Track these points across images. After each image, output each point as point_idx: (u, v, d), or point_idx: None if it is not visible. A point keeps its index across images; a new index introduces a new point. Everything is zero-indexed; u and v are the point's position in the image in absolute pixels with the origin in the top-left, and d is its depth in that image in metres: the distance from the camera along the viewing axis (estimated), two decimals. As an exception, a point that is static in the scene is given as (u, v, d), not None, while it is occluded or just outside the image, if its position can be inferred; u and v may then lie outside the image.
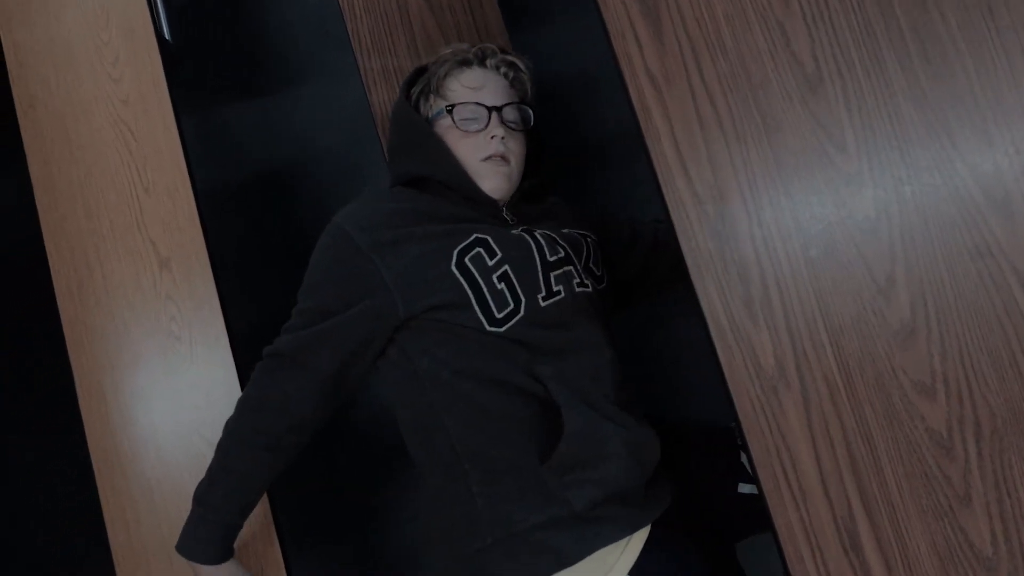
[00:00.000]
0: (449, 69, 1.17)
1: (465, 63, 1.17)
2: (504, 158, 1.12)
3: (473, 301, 1.04)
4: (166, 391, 1.26)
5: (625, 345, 1.21)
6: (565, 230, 1.17)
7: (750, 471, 1.12)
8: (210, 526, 1.07)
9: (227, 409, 1.19)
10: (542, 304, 1.06)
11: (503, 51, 1.19)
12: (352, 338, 1.06)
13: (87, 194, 1.31)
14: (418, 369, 1.07)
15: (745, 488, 1.14)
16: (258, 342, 1.23)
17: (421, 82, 1.20)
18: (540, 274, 1.07)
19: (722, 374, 0.94)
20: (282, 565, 1.21)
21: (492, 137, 1.11)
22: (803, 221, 0.96)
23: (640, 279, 1.30)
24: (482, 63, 1.17)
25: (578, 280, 1.10)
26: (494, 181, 1.12)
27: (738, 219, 0.96)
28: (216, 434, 1.10)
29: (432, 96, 1.18)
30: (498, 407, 1.04)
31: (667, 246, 1.25)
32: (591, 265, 1.16)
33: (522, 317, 1.05)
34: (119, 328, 1.27)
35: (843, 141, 0.96)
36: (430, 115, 1.17)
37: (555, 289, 1.07)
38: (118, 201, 1.30)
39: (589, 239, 1.19)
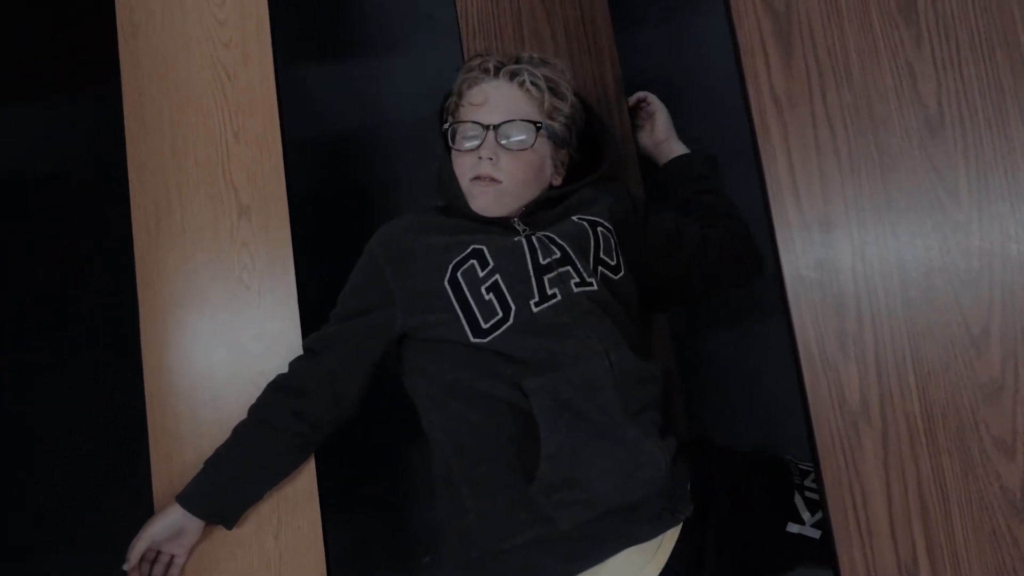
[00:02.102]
0: (461, 84, 1.18)
1: (476, 78, 1.17)
2: (493, 179, 1.13)
3: (460, 314, 1.06)
4: (228, 338, 1.26)
5: (685, 360, 1.21)
6: (575, 218, 1.14)
7: (804, 510, 1.12)
8: (203, 480, 1.14)
9: (283, 365, 1.21)
10: (535, 310, 1.05)
11: (526, 60, 1.17)
12: (358, 342, 1.14)
13: (176, 131, 1.31)
14: (419, 387, 1.12)
15: (794, 528, 1.12)
16: (324, 304, 1.25)
17: (450, 97, 1.21)
18: (532, 279, 1.07)
19: (805, 401, 0.94)
20: (319, 525, 1.21)
21: (480, 158, 1.13)
22: (906, 262, 0.95)
23: (677, 281, 1.25)
24: (494, 75, 1.16)
25: (577, 280, 1.08)
26: (480, 201, 1.14)
27: (842, 251, 0.96)
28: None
29: (449, 113, 1.20)
30: (486, 424, 1.04)
31: (715, 252, 1.25)
32: (602, 255, 1.13)
33: (511, 326, 1.04)
34: (190, 269, 1.27)
35: (956, 188, 0.96)
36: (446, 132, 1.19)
37: (550, 293, 1.06)
38: (206, 142, 1.30)
39: (600, 227, 1.14)
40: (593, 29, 1.38)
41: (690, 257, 1.23)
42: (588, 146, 1.24)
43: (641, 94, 1.38)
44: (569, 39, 1.38)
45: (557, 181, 1.20)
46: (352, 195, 1.74)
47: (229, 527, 1.17)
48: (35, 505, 1.64)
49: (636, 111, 1.39)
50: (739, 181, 1.21)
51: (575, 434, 0.99)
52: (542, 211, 1.17)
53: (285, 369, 1.18)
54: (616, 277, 1.13)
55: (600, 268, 1.11)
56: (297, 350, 1.23)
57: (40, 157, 1.71)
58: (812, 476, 1.15)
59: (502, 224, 1.14)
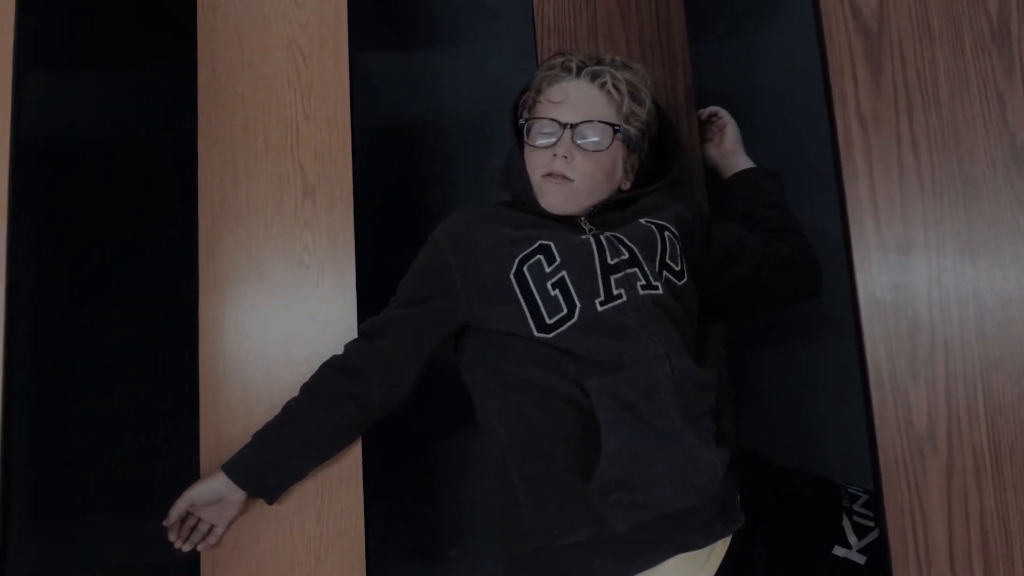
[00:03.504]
0: (541, 81, 1.18)
1: (557, 76, 1.17)
2: (565, 177, 1.13)
3: (524, 307, 1.07)
4: (284, 315, 1.27)
5: (737, 373, 1.20)
6: (643, 220, 1.14)
7: (851, 534, 1.11)
8: (250, 452, 1.15)
9: (338, 346, 1.22)
10: (599, 309, 1.05)
11: (608, 62, 1.17)
12: (417, 330, 1.14)
13: (248, 108, 1.32)
14: (478, 378, 1.13)
15: (840, 552, 1.11)
16: (381, 290, 1.25)
17: (527, 92, 1.21)
18: (599, 278, 1.07)
19: (871, 423, 0.94)
20: (361, 509, 1.22)
21: (555, 155, 1.13)
22: (983, 291, 0.94)
23: (736, 293, 1.25)
24: (576, 75, 1.16)
25: (643, 283, 1.08)
26: (551, 198, 1.14)
27: (918, 275, 0.95)
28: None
29: (526, 108, 1.20)
30: (545, 421, 1.04)
31: (776, 267, 1.24)
32: (668, 260, 1.13)
33: (575, 322, 1.05)
34: (252, 245, 1.28)
35: (1039, 222, 0.95)
36: (522, 127, 1.19)
37: (615, 293, 1.06)
38: (277, 121, 1.31)
39: (667, 231, 1.14)
40: (668, 37, 1.38)
41: (751, 270, 1.23)
42: (658, 152, 1.24)
43: (712, 108, 1.38)
44: (643, 45, 1.38)
45: (626, 185, 1.20)
46: (407, 183, 1.75)
47: (270, 502, 1.18)
48: (86, 460, 1.66)
49: (706, 124, 1.39)
50: (797, 197, 1.21)
51: (635, 436, 0.99)
52: (609, 212, 1.17)
53: (339, 351, 1.19)
54: (680, 283, 1.13)
55: (665, 272, 1.11)
56: (352, 333, 1.24)
57: (117, 123, 1.73)
58: (861, 501, 1.14)
59: (569, 222, 1.14)
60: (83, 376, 1.66)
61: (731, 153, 1.35)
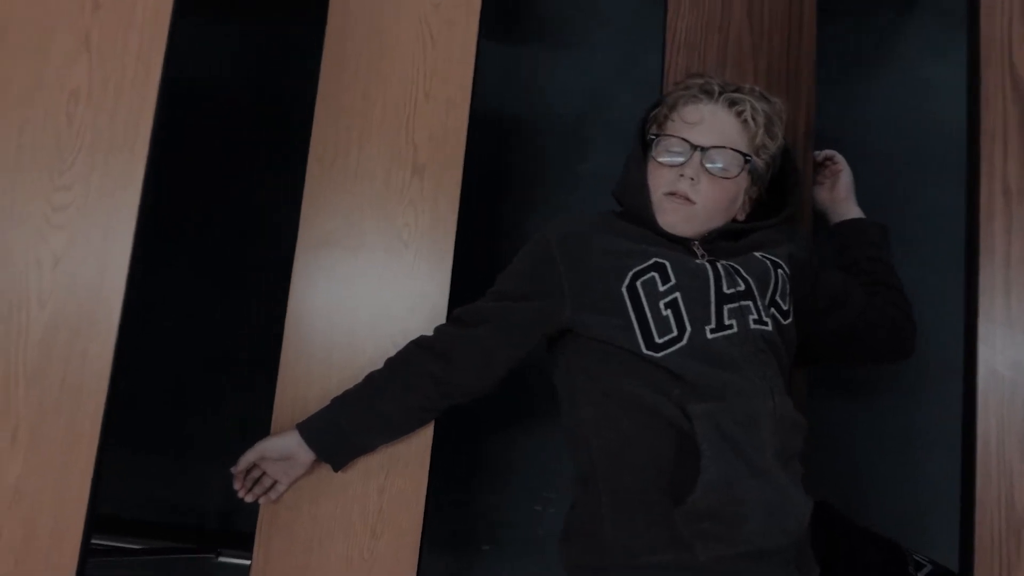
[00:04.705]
0: (677, 100, 1.18)
1: (695, 96, 1.16)
2: (688, 198, 1.12)
3: (635, 323, 1.06)
4: (376, 289, 1.27)
5: (815, 420, 1.19)
6: (758, 254, 1.14)
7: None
8: (326, 415, 1.16)
9: (424, 328, 1.23)
10: (709, 336, 1.05)
11: (747, 91, 1.16)
12: (514, 325, 1.14)
13: (370, 78, 1.32)
14: (576, 384, 1.12)
15: None
16: (476, 279, 1.25)
17: (659, 107, 1.21)
18: (713, 305, 1.06)
19: (969, 496, 0.93)
20: (423, 491, 1.22)
21: (681, 175, 1.12)
22: (1103, 384, 0.93)
23: (832, 340, 1.24)
24: (714, 98, 1.15)
25: (755, 317, 1.08)
26: (670, 217, 1.14)
27: (1041, 357, 0.94)
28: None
29: (656, 123, 1.19)
30: (641, 438, 1.03)
31: (875, 321, 1.23)
32: (777, 298, 1.12)
33: (684, 346, 1.04)
34: (354, 213, 1.28)
35: None
36: (650, 141, 1.18)
37: (727, 323, 1.06)
38: (397, 95, 1.31)
39: (781, 269, 1.14)
40: (796, 71, 1.37)
41: (851, 321, 1.22)
42: (775, 187, 1.23)
43: (829, 152, 1.37)
44: (770, 75, 1.37)
45: (741, 216, 1.19)
46: (497, 176, 1.75)
47: (336, 468, 1.18)
48: (157, 400, 1.71)
49: (820, 167, 1.38)
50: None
51: (732, 468, 0.98)
52: (722, 240, 1.16)
53: (425, 331, 1.19)
54: (785, 322, 1.12)
55: (773, 310, 1.10)
56: (441, 318, 1.24)
57: (241, 73, 1.74)
58: (926, 570, 1.13)
59: (682, 243, 1.14)
60: (169, 314, 1.68)
61: (842, 200, 1.34)
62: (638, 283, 1.07)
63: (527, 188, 1.75)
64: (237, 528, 1.69)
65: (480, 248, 1.32)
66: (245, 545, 1.64)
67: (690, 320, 1.05)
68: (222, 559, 1.67)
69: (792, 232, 1.22)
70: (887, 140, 1.60)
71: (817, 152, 1.38)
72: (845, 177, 1.35)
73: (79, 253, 1.04)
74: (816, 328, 1.21)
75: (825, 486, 1.46)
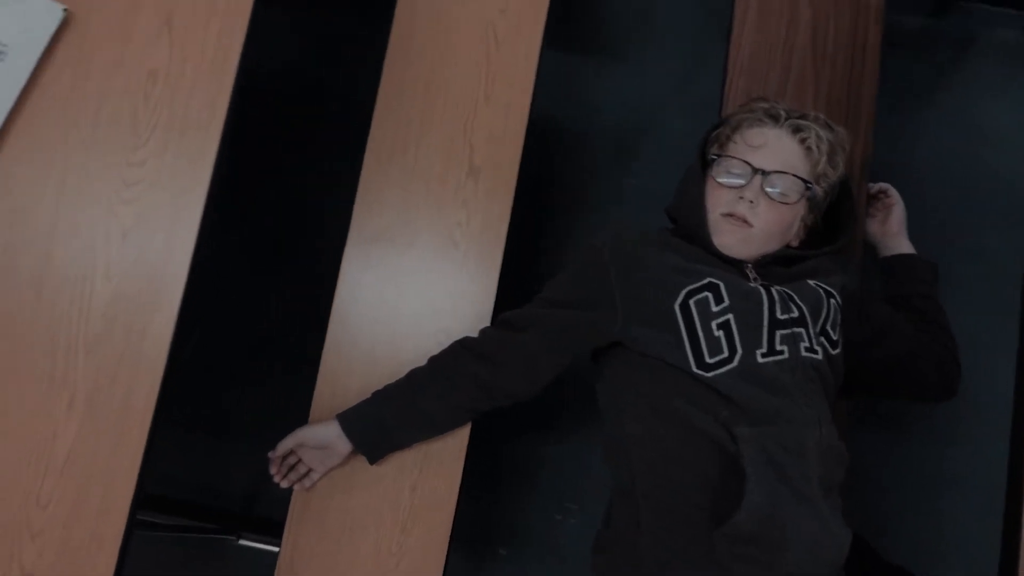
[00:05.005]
0: (741, 122, 1.18)
1: (759, 120, 1.16)
2: (746, 221, 1.12)
3: (686, 341, 1.06)
4: (423, 287, 1.28)
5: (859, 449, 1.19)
6: (812, 282, 1.13)
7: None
8: (366, 408, 1.16)
9: (469, 328, 1.24)
10: (760, 360, 1.04)
11: (812, 119, 1.16)
12: (562, 332, 1.14)
13: (431, 77, 1.33)
14: (622, 397, 1.12)
15: None
16: (523, 284, 1.26)
17: (721, 127, 1.21)
18: (765, 330, 1.06)
19: (1013, 545, 0.92)
20: (456, 492, 1.23)
21: (740, 197, 1.12)
22: None
23: (876, 374, 1.24)
24: (779, 123, 1.15)
25: (807, 344, 1.07)
26: (726, 238, 1.13)
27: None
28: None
29: (717, 144, 1.19)
30: (685, 456, 1.03)
31: (920, 357, 1.23)
32: (828, 327, 1.12)
33: (734, 368, 1.04)
34: (407, 210, 1.29)
35: None
36: (710, 161, 1.18)
37: (778, 348, 1.05)
38: (457, 96, 1.32)
39: (833, 298, 1.14)
40: (856, 101, 1.37)
41: (896, 356, 1.22)
42: (828, 215, 1.23)
43: (883, 185, 1.37)
44: (830, 102, 1.37)
45: (795, 242, 1.19)
46: (544, 182, 1.76)
47: (372, 462, 1.19)
48: (220, 366, 1.73)
49: (874, 199, 1.37)
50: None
51: (776, 495, 0.98)
52: (775, 266, 1.16)
53: (468, 332, 1.20)
54: (834, 352, 1.12)
55: (823, 339, 1.10)
56: (485, 319, 1.25)
57: (307, 65, 1.76)
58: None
59: (735, 265, 1.14)
60: (219, 295, 1.69)
61: (893, 234, 1.34)
62: (691, 301, 1.07)
63: (572, 198, 1.76)
64: (259, 513, 1.70)
65: (523, 253, 1.32)
66: (266, 530, 1.66)
67: (742, 342, 1.05)
68: (242, 542, 1.68)
69: (844, 262, 1.22)
70: (938, 175, 1.60)
71: (871, 184, 1.38)
72: (898, 211, 1.34)
73: (147, 229, 1.06)
74: (861, 360, 1.20)
75: (855, 519, 1.46)
